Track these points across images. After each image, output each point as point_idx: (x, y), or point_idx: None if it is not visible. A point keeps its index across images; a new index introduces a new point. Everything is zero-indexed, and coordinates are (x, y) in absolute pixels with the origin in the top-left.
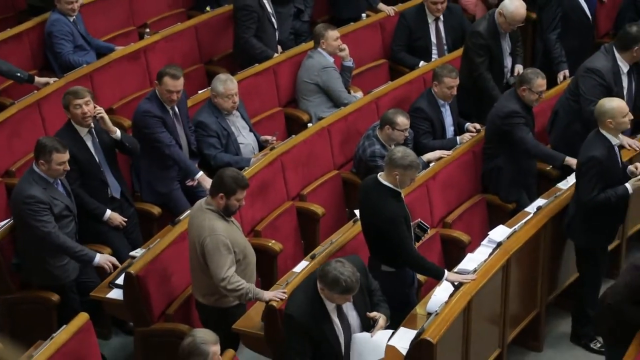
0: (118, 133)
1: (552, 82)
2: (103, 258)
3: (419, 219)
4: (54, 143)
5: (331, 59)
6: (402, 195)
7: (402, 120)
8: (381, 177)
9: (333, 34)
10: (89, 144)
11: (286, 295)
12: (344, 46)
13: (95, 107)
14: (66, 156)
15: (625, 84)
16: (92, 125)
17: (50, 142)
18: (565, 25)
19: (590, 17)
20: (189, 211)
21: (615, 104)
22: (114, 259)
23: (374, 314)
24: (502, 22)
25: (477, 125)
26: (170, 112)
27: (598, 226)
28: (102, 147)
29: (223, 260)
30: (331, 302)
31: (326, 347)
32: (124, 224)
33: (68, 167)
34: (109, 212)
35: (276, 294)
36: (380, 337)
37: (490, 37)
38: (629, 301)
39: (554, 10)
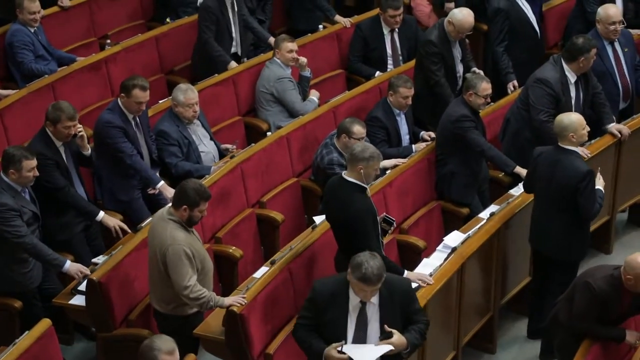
0: (89, 150)
1: (501, 92)
2: (74, 267)
3: (384, 213)
4: (22, 151)
5: (288, 69)
6: (368, 191)
7: (358, 129)
8: (345, 175)
9: (287, 45)
10: (62, 153)
11: (246, 300)
12: (304, 59)
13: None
14: (35, 162)
15: (573, 93)
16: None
17: (18, 151)
18: (513, 38)
19: (538, 30)
20: (150, 219)
21: (574, 118)
22: (85, 269)
23: (392, 330)
24: (452, 30)
25: (432, 134)
26: (132, 122)
27: (587, 235)
28: (72, 158)
29: (185, 269)
30: (355, 295)
31: (330, 331)
32: (118, 228)
33: (37, 173)
34: (102, 213)
35: (236, 299)
36: (377, 349)
37: (442, 45)
38: (584, 320)
39: (501, 23)
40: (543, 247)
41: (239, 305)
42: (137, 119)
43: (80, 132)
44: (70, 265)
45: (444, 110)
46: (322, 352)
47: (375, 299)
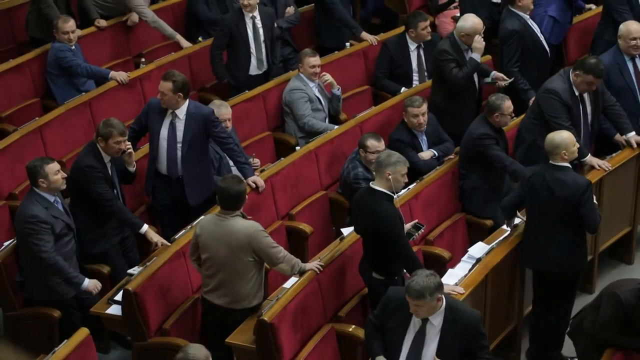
0: (135, 167)
1: (519, 109)
2: (92, 284)
3: (417, 220)
4: (40, 160)
5: (311, 84)
6: (396, 200)
7: (372, 143)
8: (373, 184)
9: (310, 60)
10: (109, 169)
11: (322, 269)
12: (327, 78)
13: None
14: (57, 165)
15: (580, 105)
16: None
17: (38, 161)
18: (525, 58)
19: (548, 51)
20: (183, 231)
21: (565, 135)
22: (99, 284)
23: None
24: (466, 39)
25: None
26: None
27: (587, 245)
28: (117, 174)
29: (274, 243)
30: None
31: (389, 338)
32: (160, 244)
33: (65, 175)
34: (146, 226)
35: (315, 265)
36: None
37: (456, 54)
38: (608, 330)
39: (515, 44)
40: (544, 266)
41: (317, 271)
42: (174, 122)
43: (128, 148)
44: (88, 283)
45: (464, 117)
46: (374, 358)
47: (437, 322)
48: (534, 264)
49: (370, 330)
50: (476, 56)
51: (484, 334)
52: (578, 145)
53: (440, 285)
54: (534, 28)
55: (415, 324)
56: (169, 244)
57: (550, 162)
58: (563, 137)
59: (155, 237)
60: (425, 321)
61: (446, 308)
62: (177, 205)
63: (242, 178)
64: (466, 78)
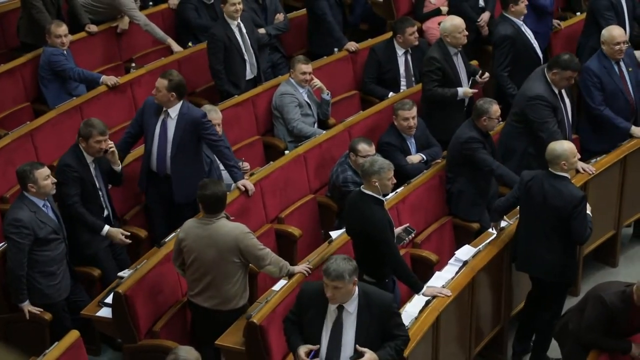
0: (120, 166)
1: (506, 113)
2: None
3: (408, 224)
4: (30, 164)
5: (300, 89)
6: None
7: (363, 146)
8: (364, 188)
9: (301, 67)
10: (92, 170)
11: (311, 270)
12: (316, 82)
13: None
14: (47, 170)
15: (561, 102)
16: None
17: (27, 166)
18: (517, 63)
19: (541, 57)
20: (172, 235)
21: (566, 147)
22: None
23: (363, 349)
24: (451, 40)
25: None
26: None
27: (577, 256)
28: (102, 174)
29: (261, 245)
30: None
31: (308, 331)
32: (124, 240)
33: (54, 180)
34: (107, 227)
35: (304, 267)
36: None
37: (444, 60)
38: (593, 332)
39: (507, 49)
40: (533, 270)
41: (306, 273)
42: (166, 120)
43: (111, 147)
44: (27, 304)
45: (453, 123)
46: (295, 348)
47: (352, 308)
48: (524, 268)
49: (287, 326)
50: (460, 93)
51: (398, 312)
52: (578, 156)
53: (356, 269)
54: (527, 34)
55: (331, 313)
56: (128, 234)
57: (550, 169)
58: (564, 147)
59: (117, 235)
60: (340, 309)
61: (359, 294)
62: (166, 203)
63: (219, 179)
64: (440, 98)
